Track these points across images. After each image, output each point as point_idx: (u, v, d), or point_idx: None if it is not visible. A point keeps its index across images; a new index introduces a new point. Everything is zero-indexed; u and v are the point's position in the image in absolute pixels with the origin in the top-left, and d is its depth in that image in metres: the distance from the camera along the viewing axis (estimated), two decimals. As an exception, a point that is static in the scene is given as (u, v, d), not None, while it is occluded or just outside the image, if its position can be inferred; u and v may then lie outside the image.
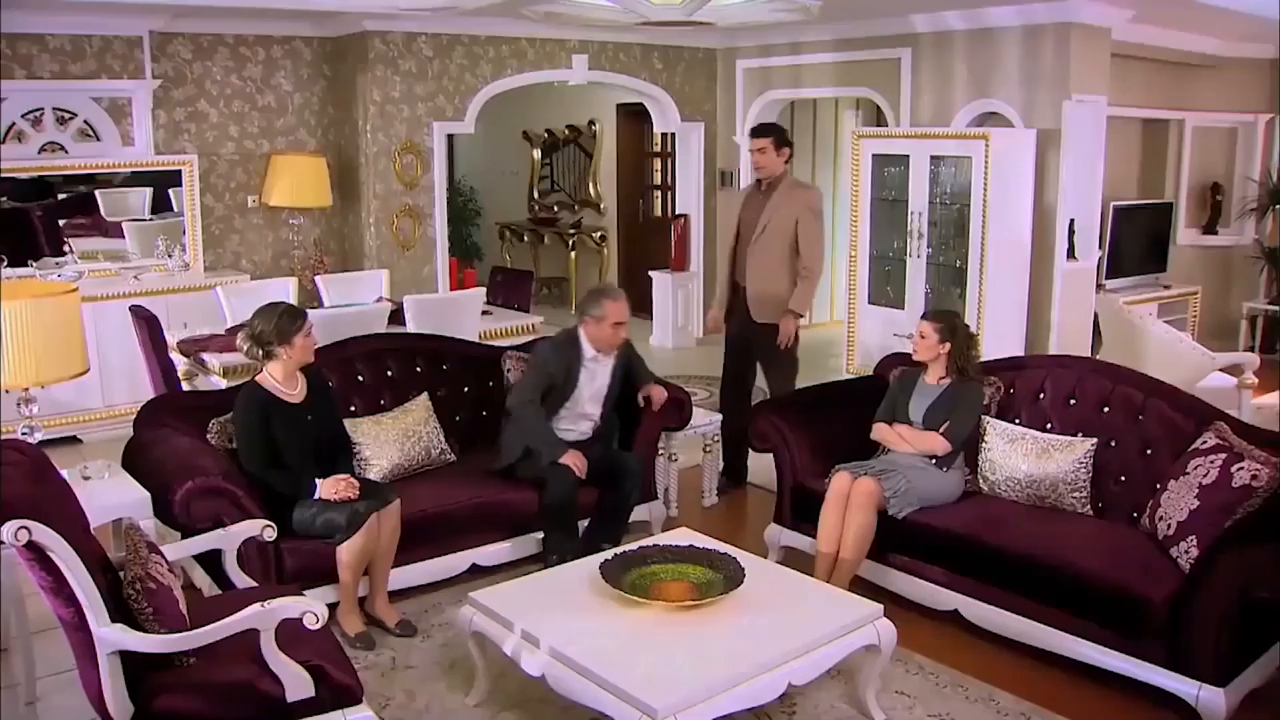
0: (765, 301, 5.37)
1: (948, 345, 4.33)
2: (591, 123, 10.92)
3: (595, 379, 4.62)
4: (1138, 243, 8.22)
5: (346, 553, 3.83)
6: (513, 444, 4.54)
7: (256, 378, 4.01)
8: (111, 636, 2.61)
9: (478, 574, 4.37)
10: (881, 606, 3.41)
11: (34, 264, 6.58)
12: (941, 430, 4.27)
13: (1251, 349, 8.45)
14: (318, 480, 3.92)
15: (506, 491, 4.47)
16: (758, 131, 5.45)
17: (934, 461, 4.27)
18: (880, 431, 4.42)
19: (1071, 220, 6.67)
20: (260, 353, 3.96)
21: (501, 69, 7.97)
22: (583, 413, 4.64)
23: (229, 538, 3.42)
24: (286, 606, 2.76)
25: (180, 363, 5.67)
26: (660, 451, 5.04)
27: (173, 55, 7.11)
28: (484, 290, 6.75)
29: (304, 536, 3.90)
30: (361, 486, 3.99)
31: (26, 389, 3.64)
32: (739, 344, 5.59)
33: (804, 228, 5.28)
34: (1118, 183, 8.22)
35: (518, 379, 4.84)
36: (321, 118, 7.81)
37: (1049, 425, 4.38)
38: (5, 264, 6.38)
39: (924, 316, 4.45)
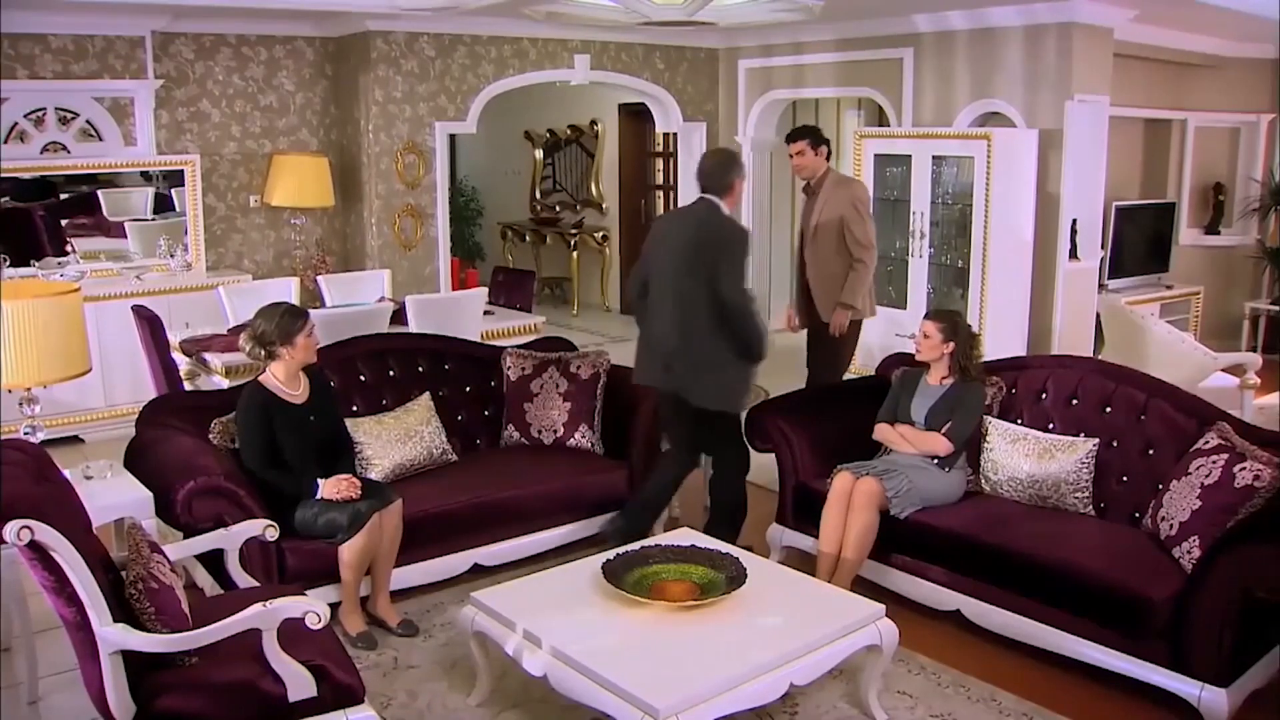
0: (825, 299, 5.46)
1: (951, 345, 4.33)
2: (593, 122, 10.91)
3: None
4: (1140, 243, 8.21)
5: (348, 552, 3.83)
6: (744, 371, 4.36)
7: (259, 378, 4.01)
8: (114, 636, 2.61)
9: (479, 574, 4.38)
10: (883, 606, 3.41)
11: (36, 264, 6.58)
12: (943, 430, 4.27)
13: (1254, 349, 8.43)
14: (320, 480, 3.92)
15: (507, 490, 4.47)
16: (792, 136, 5.56)
17: (936, 462, 4.26)
18: (882, 432, 4.41)
19: (1074, 220, 6.66)
20: (262, 353, 3.96)
21: (503, 69, 7.97)
22: None
23: (231, 537, 3.42)
24: (288, 606, 2.77)
25: (182, 362, 5.67)
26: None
27: (175, 55, 7.12)
28: (486, 290, 6.75)
29: (306, 536, 3.90)
30: (363, 486, 4.00)
31: (29, 389, 3.65)
32: (810, 343, 5.70)
33: (850, 221, 5.35)
34: (1120, 183, 8.22)
35: (716, 261, 4.19)
36: (324, 118, 7.81)
37: (1051, 425, 4.37)
38: (8, 264, 6.39)
39: (927, 316, 4.45)
